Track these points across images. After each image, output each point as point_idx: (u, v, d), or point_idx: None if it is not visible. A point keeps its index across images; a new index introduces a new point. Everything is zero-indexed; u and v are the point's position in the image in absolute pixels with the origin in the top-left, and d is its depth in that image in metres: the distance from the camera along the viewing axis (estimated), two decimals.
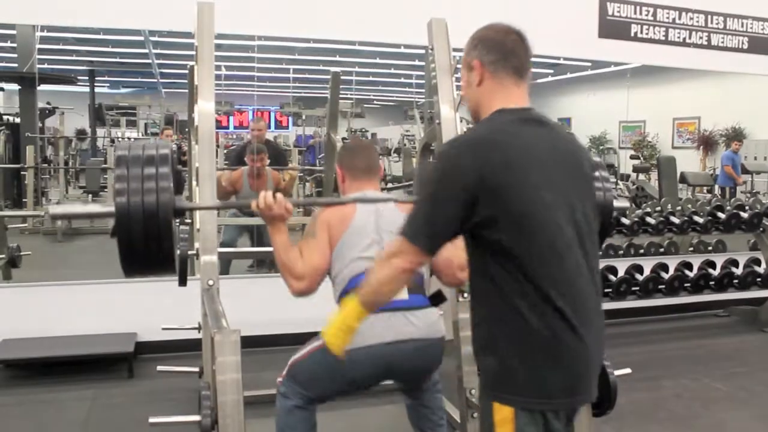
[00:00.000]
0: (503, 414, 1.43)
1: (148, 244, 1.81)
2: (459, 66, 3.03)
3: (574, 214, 1.46)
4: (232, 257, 5.14)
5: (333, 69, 6.36)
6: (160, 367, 3.15)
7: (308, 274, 2.10)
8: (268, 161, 5.12)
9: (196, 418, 1.82)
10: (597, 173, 1.65)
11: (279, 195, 1.99)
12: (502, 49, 1.53)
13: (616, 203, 2.28)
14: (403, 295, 1.90)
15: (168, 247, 1.85)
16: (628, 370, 2.25)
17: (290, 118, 14.68)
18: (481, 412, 1.51)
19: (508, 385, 1.43)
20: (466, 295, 2.50)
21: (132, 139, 13.21)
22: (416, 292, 2.10)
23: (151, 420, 1.87)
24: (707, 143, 13.95)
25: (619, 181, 11.45)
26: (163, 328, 3.47)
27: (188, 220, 3.21)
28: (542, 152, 1.46)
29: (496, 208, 1.40)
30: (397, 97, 16.99)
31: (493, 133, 1.46)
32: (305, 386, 2.13)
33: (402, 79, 14.16)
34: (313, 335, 2.35)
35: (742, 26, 5.28)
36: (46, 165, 9.90)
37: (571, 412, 1.51)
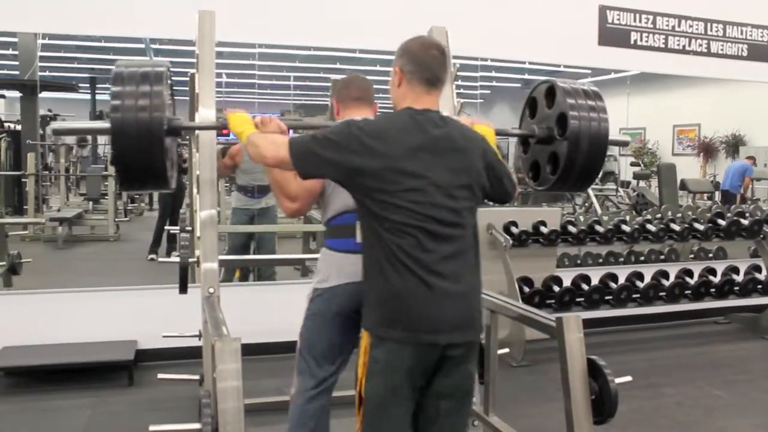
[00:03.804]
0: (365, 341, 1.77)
1: (141, 160, 1.91)
2: (459, 73, 3.04)
3: (445, 190, 1.75)
4: (234, 265, 5.14)
5: (333, 77, 6.38)
6: (160, 375, 3.13)
7: (301, 196, 2.20)
8: None
9: (197, 426, 1.81)
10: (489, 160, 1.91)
11: (273, 117, 2.10)
12: (419, 63, 1.84)
13: (612, 137, 2.31)
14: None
15: (160, 164, 1.95)
16: (628, 378, 2.24)
17: None
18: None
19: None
20: None
21: None
22: None
23: (151, 428, 1.86)
24: (707, 150, 13.97)
25: (619, 188, 11.46)
26: (164, 336, 3.46)
27: (189, 228, 3.21)
28: (416, 140, 1.76)
29: (369, 179, 1.72)
30: None
31: (383, 122, 1.83)
32: (311, 344, 2.24)
33: None
34: None
35: (742, 33, 5.30)
36: (47, 172, 9.93)
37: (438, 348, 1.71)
